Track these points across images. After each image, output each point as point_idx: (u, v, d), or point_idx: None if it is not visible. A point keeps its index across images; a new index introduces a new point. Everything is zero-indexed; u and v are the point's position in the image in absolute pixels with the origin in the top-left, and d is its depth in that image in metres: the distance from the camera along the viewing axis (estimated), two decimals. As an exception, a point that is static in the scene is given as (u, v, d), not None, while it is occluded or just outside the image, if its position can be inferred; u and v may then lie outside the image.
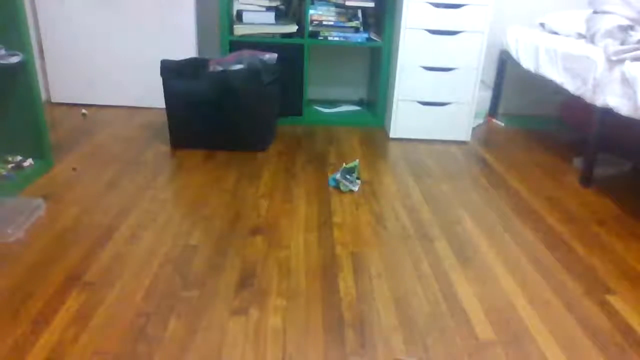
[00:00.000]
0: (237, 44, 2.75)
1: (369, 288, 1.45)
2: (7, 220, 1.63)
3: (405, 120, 2.74)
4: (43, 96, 3.03)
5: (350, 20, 2.81)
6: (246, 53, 2.51)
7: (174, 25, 2.91)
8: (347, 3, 2.74)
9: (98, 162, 2.24)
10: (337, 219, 1.84)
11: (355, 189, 2.09)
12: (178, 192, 1.99)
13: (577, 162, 2.48)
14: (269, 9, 2.78)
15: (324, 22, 2.79)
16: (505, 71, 3.16)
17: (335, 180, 2.11)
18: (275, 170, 2.25)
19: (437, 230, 1.80)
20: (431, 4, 2.52)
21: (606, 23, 2.21)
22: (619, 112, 1.96)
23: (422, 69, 2.65)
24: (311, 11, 2.76)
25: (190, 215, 1.82)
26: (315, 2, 2.79)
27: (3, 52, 1.89)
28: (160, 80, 2.40)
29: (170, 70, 2.37)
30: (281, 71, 2.66)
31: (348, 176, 2.10)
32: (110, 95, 3.07)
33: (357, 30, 2.82)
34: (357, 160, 2.17)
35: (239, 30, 2.75)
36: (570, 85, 2.29)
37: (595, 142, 2.18)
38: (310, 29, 2.78)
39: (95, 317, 1.27)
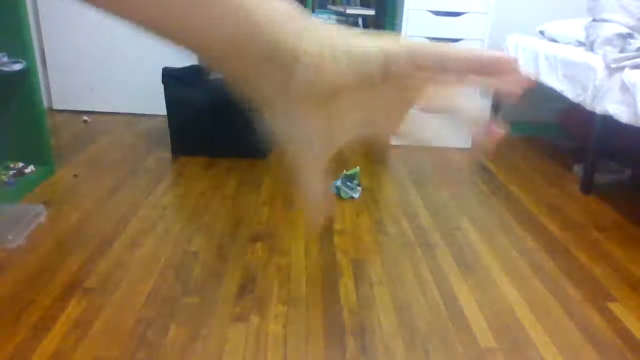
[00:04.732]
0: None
1: (369, 295, 1.45)
2: (8, 227, 1.63)
3: (406, 127, 2.74)
4: (45, 103, 3.04)
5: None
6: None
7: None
8: (348, 11, 2.76)
9: (99, 169, 2.24)
10: (337, 225, 1.84)
11: (356, 195, 2.09)
12: (179, 199, 1.99)
13: (577, 169, 2.48)
14: (269, 16, 2.79)
15: (325, 30, 2.80)
16: (505, 79, 3.16)
17: (336, 187, 2.11)
18: (275, 177, 2.26)
19: (438, 237, 1.80)
20: (431, 12, 2.54)
21: (605, 31, 2.22)
22: (619, 120, 1.96)
23: (422, 76, 2.66)
24: (312, 19, 2.77)
25: (190, 222, 1.82)
26: (315, 10, 2.80)
27: (5, 59, 1.90)
28: (161, 87, 2.41)
29: (172, 78, 2.38)
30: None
31: (349, 183, 2.10)
32: (112, 103, 3.08)
33: (357, 38, 2.83)
34: (358, 167, 2.17)
35: (240, 38, 2.76)
36: (570, 92, 2.30)
37: (595, 149, 2.18)
38: (311, 36, 2.79)
39: (95, 323, 1.27)
